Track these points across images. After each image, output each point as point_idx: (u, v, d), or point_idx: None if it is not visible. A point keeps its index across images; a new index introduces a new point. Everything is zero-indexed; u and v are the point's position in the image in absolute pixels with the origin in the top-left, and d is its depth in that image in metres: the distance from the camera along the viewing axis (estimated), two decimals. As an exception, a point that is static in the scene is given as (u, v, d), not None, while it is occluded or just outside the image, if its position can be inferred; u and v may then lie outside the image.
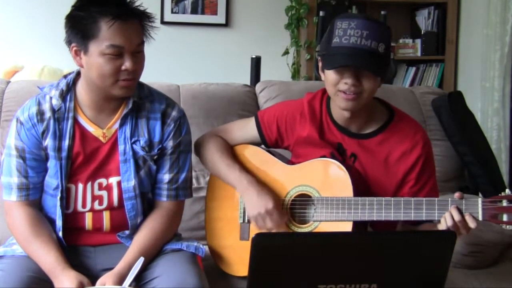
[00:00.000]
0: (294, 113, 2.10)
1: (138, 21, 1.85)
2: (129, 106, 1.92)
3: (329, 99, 2.05)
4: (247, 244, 2.02)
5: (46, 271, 1.81)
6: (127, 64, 1.81)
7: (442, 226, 1.78)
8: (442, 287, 1.51)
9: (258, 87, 2.80)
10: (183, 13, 4.35)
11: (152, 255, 1.91)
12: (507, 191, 1.78)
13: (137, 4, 1.88)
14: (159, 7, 4.24)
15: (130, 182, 1.92)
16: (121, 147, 1.92)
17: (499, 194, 1.78)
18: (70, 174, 1.90)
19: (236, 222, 2.10)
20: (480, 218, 1.77)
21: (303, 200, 2.00)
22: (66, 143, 1.89)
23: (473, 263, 2.36)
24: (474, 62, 4.23)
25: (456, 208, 1.77)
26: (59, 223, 1.90)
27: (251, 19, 4.43)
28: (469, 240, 2.31)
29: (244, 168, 2.11)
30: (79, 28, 1.82)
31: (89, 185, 1.92)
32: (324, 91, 2.07)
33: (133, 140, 1.93)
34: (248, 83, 3.08)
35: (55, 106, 1.90)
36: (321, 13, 4.17)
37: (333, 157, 2.01)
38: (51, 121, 1.90)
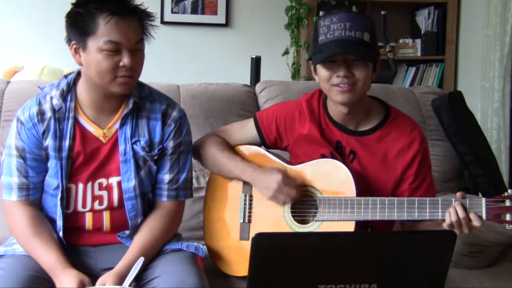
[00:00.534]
0: (293, 112, 2.11)
1: (137, 19, 1.86)
2: (130, 106, 1.92)
3: (326, 99, 2.06)
4: (247, 244, 2.03)
5: (47, 270, 1.81)
6: (125, 61, 1.81)
7: (446, 222, 1.78)
8: (442, 287, 1.51)
9: (258, 87, 2.80)
10: (183, 13, 4.35)
11: (152, 255, 1.91)
12: (510, 191, 1.79)
13: (137, 2, 1.88)
14: (159, 7, 4.25)
15: (130, 182, 1.92)
16: (121, 147, 1.92)
17: (502, 194, 1.79)
18: (70, 174, 1.91)
19: (236, 222, 2.10)
20: (484, 217, 1.78)
21: (305, 200, 2.00)
22: (66, 143, 1.89)
23: (473, 263, 2.36)
24: (474, 62, 4.23)
25: (460, 205, 1.78)
26: (59, 223, 1.90)
27: (251, 19, 4.43)
28: (469, 240, 2.31)
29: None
30: (77, 25, 1.83)
31: (89, 185, 1.92)
32: (321, 91, 2.08)
33: (133, 140, 1.93)
34: (248, 83, 3.08)
35: (55, 106, 1.91)
36: (321, 13, 4.18)
37: (333, 157, 2.02)
38: (52, 121, 1.90)
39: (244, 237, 2.08)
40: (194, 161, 2.12)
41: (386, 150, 2.01)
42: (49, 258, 1.81)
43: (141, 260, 1.80)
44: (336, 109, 2.02)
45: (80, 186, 1.92)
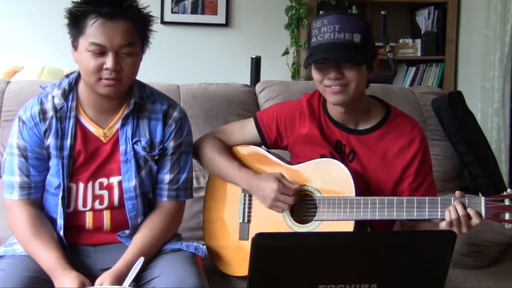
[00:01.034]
0: (293, 112, 2.11)
1: (129, 22, 1.83)
2: (130, 106, 1.92)
3: (325, 98, 2.07)
4: (247, 244, 2.04)
5: (47, 271, 1.81)
6: (108, 64, 1.81)
7: (446, 220, 1.78)
8: (442, 287, 1.51)
9: (258, 87, 2.80)
10: (183, 13, 4.35)
11: (152, 255, 1.91)
12: (509, 190, 1.79)
13: (135, 4, 1.87)
14: (159, 7, 4.25)
15: (131, 182, 1.92)
16: (122, 147, 1.92)
17: (501, 194, 1.79)
18: (71, 174, 1.91)
19: (235, 222, 2.10)
20: (483, 216, 1.78)
21: (305, 199, 2.01)
22: (68, 142, 1.90)
23: (473, 263, 2.37)
24: (474, 62, 4.23)
25: (460, 203, 1.78)
26: (60, 222, 1.91)
27: (251, 19, 4.43)
28: (469, 240, 2.31)
29: (244, 166, 2.11)
30: (72, 24, 1.85)
31: (90, 184, 1.92)
32: None
33: (134, 141, 1.93)
34: (248, 83, 3.08)
35: (57, 105, 1.91)
36: (321, 13, 4.17)
37: (332, 157, 2.02)
38: (53, 120, 1.90)
39: (244, 237, 2.08)
40: (194, 161, 2.12)
41: (386, 149, 2.01)
42: (49, 259, 1.81)
43: (141, 260, 1.80)
44: (334, 108, 2.02)
45: (81, 185, 1.92)
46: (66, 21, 1.86)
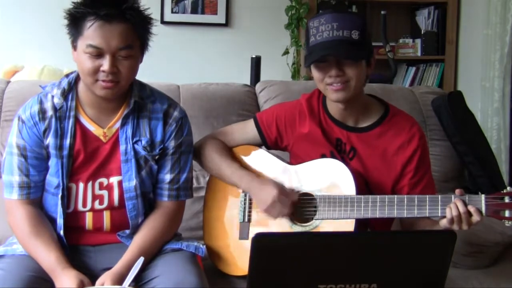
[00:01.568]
0: (293, 112, 2.11)
1: (128, 25, 1.83)
2: (130, 106, 1.92)
3: (325, 97, 2.08)
4: (246, 244, 2.04)
5: (47, 270, 1.81)
6: (104, 66, 1.81)
7: (447, 217, 1.79)
8: (442, 287, 1.51)
9: (258, 87, 2.80)
10: (183, 13, 4.35)
11: (152, 254, 1.91)
12: (509, 188, 1.81)
13: (135, 6, 1.86)
14: (159, 7, 4.25)
15: (131, 182, 1.92)
16: (122, 147, 1.92)
17: (501, 191, 1.80)
18: (71, 173, 1.91)
19: (235, 221, 2.10)
20: (484, 213, 1.79)
21: (306, 198, 2.01)
22: (67, 141, 1.90)
23: (473, 263, 2.37)
24: (474, 62, 4.23)
25: (460, 200, 1.79)
26: (60, 221, 1.91)
27: (251, 19, 4.43)
28: (469, 240, 2.31)
29: (244, 167, 2.11)
30: (71, 25, 1.85)
31: (89, 184, 1.92)
32: (320, 90, 2.08)
33: (134, 140, 1.93)
34: (248, 83, 3.08)
35: (57, 105, 1.91)
36: (320, 12, 4.16)
37: (332, 156, 2.02)
38: (53, 120, 1.90)
39: (244, 236, 2.08)
40: (194, 161, 2.12)
41: (386, 146, 2.02)
42: (49, 258, 1.81)
43: (141, 260, 1.80)
44: (334, 106, 2.03)
45: (81, 185, 1.92)
46: (66, 21, 1.86)
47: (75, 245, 1.93)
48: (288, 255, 1.49)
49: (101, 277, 1.79)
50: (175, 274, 1.82)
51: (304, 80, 4.11)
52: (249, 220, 2.08)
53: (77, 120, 1.92)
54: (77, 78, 1.95)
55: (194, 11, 4.36)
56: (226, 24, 4.41)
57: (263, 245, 1.47)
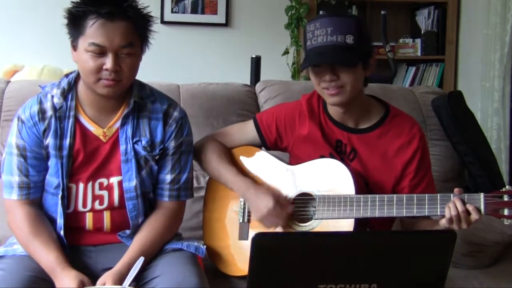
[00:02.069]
0: (293, 113, 2.11)
1: (129, 22, 1.83)
2: (130, 106, 1.92)
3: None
4: (246, 244, 2.04)
5: (47, 270, 1.81)
6: (107, 64, 1.81)
7: (446, 216, 1.79)
8: (442, 287, 1.51)
9: (258, 87, 2.80)
10: (183, 12, 4.35)
11: (152, 254, 1.91)
12: (508, 186, 1.81)
13: (135, 4, 1.86)
14: (159, 7, 4.25)
15: (131, 182, 1.92)
16: (122, 147, 1.92)
17: (500, 190, 1.81)
18: (71, 174, 1.91)
19: (235, 222, 2.10)
20: (483, 212, 1.79)
21: (305, 198, 2.01)
22: (67, 141, 1.90)
23: (473, 263, 2.37)
24: (474, 62, 4.23)
25: (459, 199, 1.79)
26: (60, 222, 1.90)
27: (251, 19, 4.43)
28: (469, 240, 2.31)
29: (244, 170, 2.12)
30: (72, 24, 1.84)
31: (89, 184, 1.92)
32: None
33: (134, 140, 1.93)
34: (248, 83, 3.08)
35: (56, 105, 1.91)
36: (321, 13, 4.16)
37: (332, 157, 2.02)
38: (53, 120, 1.90)
39: (243, 237, 2.08)
40: (194, 161, 2.12)
41: (386, 147, 2.02)
42: (49, 258, 1.81)
43: (141, 260, 1.80)
44: (333, 108, 2.03)
45: (81, 185, 1.92)
46: (66, 21, 1.86)
47: (76, 245, 1.93)
48: (288, 255, 1.49)
49: (102, 277, 1.79)
50: (176, 274, 1.82)
51: (304, 80, 4.11)
52: (249, 221, 2.08)
53: (76, 120, 1.92)
54: (77, 78, 1.95)
55: (194, 11, 4.36)
56: (226, 24, 4.41)
57: (263, 245, 1.47)
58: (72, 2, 1.85)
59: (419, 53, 4.56)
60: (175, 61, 4.27)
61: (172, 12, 4.33)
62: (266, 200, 1.97)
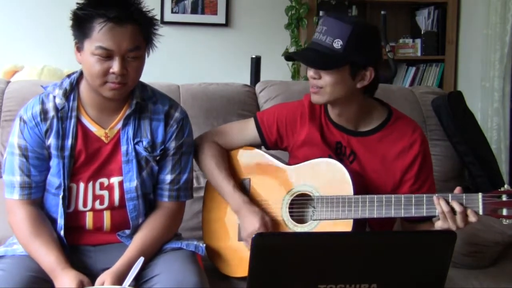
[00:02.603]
0: (295, 113, 2.11)
1: (136, 26, 1.83)
2: (132, 107, 1.92)
3: None
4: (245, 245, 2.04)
5: (47, 270, 1.81)
6: (114, 68, 1.80)
7: (438, 211, 1.80)
8: (442, 287, 1.51)
9: (258, 87, 2.80)
10: (183, 13, 4.35)
11: (152, 254, 1.91)
12: (506, 186, 1.81)
13: (141, 7, 1.86)
14: (159, 7, 4.24)
15: (132, 183, 1.92)
16: (123, 148, 1.92)
17: (499, 189, 1.80)
18: (72, 173, 1.91)
19: (234, 222, 2.10)
20: (481, 212, 1.79)
21: (303, 199, 2.01)
22: (69, 142, 1.90)
23: (473, 263, 2.37)
24: (474, 62, 4.23)
25: (443, 199, 1.80)
26: (60, 222, 1.91)
27: (251, 19, 4.43)
28: (469, 240, 2.31)
29: (242, 170, 2.12)
30: (77, 26, 1.83)
31: (90, 184, 1.92)
32: None
33: (135, 141, 1.93)
34: (248, 83, 3.08)
35: (58, 105, 1.91)
36: (321, 13, 4.17)
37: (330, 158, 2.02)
38: (54, 120, 1.90)
39: (243, 238, 2.07)
40: (194, 161, 2.12)
41: (386, 151, 2.01)
42: (49, 259, 1.82)
43: (141, 260, 1.80)
44: (332, 110, 2.03)
45: (81, 185, 1.92)
46: (67, 21, 1.85)
47: (75, 245, 1.94)
48: (288, 255, 1.49)
49: (101, 276, 1.80)
50: (175, 273, 1.82)
51: (304, 80, 4.11)
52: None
53: (78, 121, 1.92)
54: (79, 79, 1.95)
55: (194, 11, 4.36)
56: (226, 24, 4.41)
57: (263, 245, 1.47)
58: (78, 3, 1.85)
59: (419, 53, 4.56)
60: (175, 61, 4.27)
61: (172, 12, 4.32)
62: (254, 221, 1.98)
